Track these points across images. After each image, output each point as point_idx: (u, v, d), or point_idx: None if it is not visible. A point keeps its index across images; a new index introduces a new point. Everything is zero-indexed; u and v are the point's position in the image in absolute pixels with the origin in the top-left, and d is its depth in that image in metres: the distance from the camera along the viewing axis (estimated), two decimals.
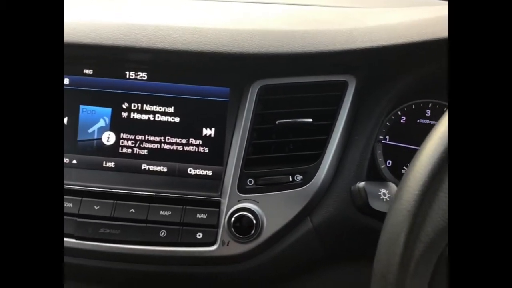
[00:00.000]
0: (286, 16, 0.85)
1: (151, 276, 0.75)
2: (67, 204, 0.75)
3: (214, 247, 0.73)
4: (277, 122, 0.76)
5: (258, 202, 0.74)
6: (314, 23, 0.80)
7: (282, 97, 0.77)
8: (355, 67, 0.77)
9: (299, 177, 0.75)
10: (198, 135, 0.81)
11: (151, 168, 0.82)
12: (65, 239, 0.74)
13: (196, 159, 0.81)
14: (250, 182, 0.75)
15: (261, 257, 0.74)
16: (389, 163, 0.79)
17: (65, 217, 0.74)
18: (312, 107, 0.77)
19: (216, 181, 0.80)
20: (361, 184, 0.72)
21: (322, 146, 0.76)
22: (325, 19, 0.83)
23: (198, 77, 0.81)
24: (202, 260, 0.73)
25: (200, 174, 0.81)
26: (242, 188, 0.75)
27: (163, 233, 0.74)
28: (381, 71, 0.77)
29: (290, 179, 0.75)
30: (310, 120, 0.76)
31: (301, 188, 0.75)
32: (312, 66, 0.77)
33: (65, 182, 0.77)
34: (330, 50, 0.75)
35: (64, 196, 0.75)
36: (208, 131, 0.81)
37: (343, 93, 0.77)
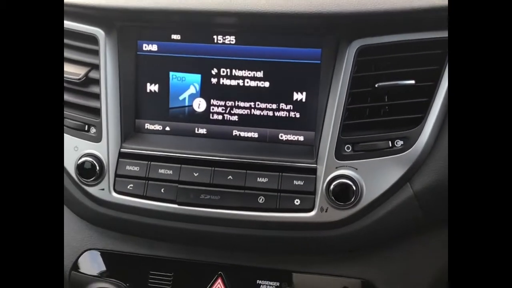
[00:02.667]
0: None
1: (249, 240, 0.77)
2: (167, 171, 0.77)
3: (312, 213, 0.74)
4: (376, 85, 0.72)
5: (356, 169, 0.72)
6: None
7: (382, 57, 0.73)
8: None
9: (399, 143, 0.72)
10: (289, 100, 0.79)
11: (242, 134, 0.82)
12: (167, 204, 0.77)
13: (287, 124, 0.80)
14: (348, 148, 0.73)
15: (359, 223, 0.74)
16: None
17: (166, 183, 0.77)
18: (414, 67, 0.72)
19: (309, 146, 0.79)
20: None
21: (425, 109, 0.72)
22: None
23: (288, 39, 0.78)
24: (301, 225, 0.74)
25: (292, 140, 0.80)
26: (340, 154, 0.73)
27: (261, 199, 0.74)
28: None
29: (390, 145, 0.72)
30: (413, 81, 0.71)
31: (401, 154, 0.72)
32: (413, 22, 0.71)
33: (162, 149, 0.79)
34: (434, 5, 0.68)
35: (164, 164, 0.77)
36: (299, 96, 0.79)
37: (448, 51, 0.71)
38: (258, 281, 0.81)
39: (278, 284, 0.80)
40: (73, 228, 0.85)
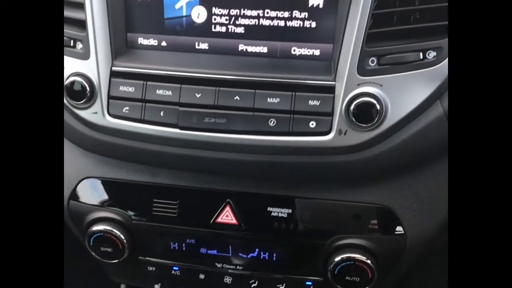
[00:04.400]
0: None
1: (259, 166, 0.71)
2: (166, 92, 0.68)
3: (329, 137, 0.66)
4: None
5: (381, 86, 0.64)
6: None
7: None
8: None
9: (431, 54, 0.63)
10: (303, 6, 0.68)
11: (249, 49, 0.72)
12: (168, 129, 0.69)
13: (301, 36, 0.70)
14: (372, 62, 0.64)
15: (381, 146, 0.67)
16: None
17: (166, 106, 0.69)
18: None
19: (326, 62, 0.70)
20: None
21: None
22: None
23: None
24: (316, 150, 0.67)
25: (306, 54, 0.71)
26: (362, 69, 0.64)
27: (272, 122, 0.67)
28: None
29: (421, 57, 0.63)
30: None
31: (433, 67, 0.63)
32: None
33: (159, 67, 0.69)
34: None
35: (162, 84, 0.69)
36: (315, 1, 0.68)
37: None
38: (269, 208, 0.76)
39: (290, 211, 0.76)
40: (67, 156, 0.79)
